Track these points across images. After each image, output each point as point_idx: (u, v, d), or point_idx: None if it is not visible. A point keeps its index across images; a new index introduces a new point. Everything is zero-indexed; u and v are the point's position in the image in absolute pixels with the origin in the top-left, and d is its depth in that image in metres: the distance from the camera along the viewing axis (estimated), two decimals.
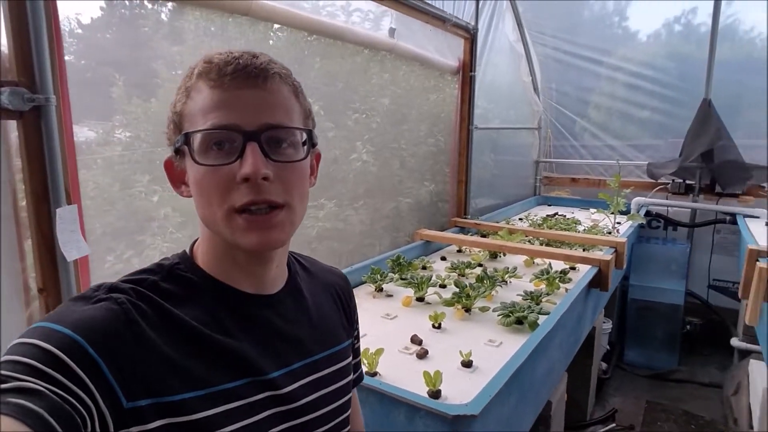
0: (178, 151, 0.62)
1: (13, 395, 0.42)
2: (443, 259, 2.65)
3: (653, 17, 4.12)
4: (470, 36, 3.16)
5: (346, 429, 0.77)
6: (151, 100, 1.49)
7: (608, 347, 3.37)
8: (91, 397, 0.48)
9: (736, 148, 3.62)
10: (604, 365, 3.30)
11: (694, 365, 3.59)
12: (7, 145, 1.08)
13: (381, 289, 2.08)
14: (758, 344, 2.63)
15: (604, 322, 3.09)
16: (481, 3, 3.23)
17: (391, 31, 2.52)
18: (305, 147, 0.64)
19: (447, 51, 3.06)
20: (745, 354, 3.03)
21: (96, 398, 0.48)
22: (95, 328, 0.51)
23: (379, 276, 2.10)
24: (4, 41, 1.07)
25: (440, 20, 2.80)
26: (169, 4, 1.51)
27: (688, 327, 3.78)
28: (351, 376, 0.81)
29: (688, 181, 3.86)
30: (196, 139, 0.59)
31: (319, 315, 0.76)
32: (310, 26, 2.00)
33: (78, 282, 1.14)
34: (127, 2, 1.41)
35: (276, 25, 1.90)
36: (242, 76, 0.58)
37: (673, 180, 3.89)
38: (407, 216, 2.86)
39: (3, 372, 0.44)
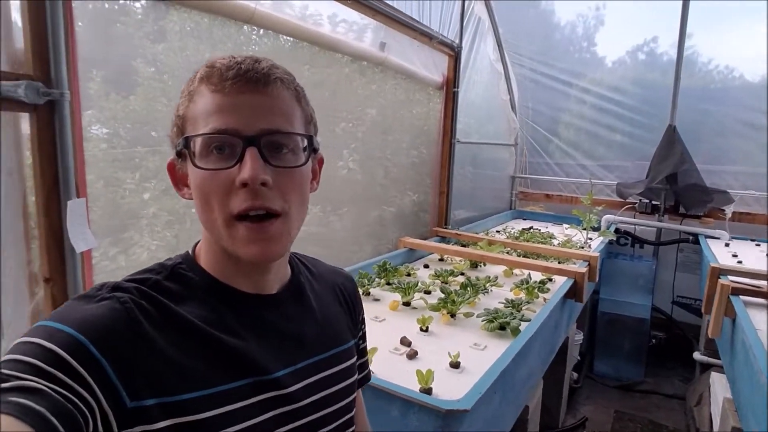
0: (179, 154, 0.63)
1: (15, 394, 0.42)
2: (426, 266, 2.71)
3: (618, 44, 4.31)
4: (455, 53, 3.28)
5: (351, 429, 0.77)
6: (130, 97, 1.47)
7: (579, 357, 3.48)
8: (93, 397, 0.47)
9: (698, 173, 3.82)
10: (575, 375, 3.41)
11: (658, 377, 3.73)
12: (17, 137, 1.10)
13: (368, 293, 2.13)
14: (719, 358, 2.76)
15: (576, 334, 3.20)
16: (464, 23, 3.37)
17: (382, 45, 2.61)
18: (306, 153, 0.64)
19: (432, 66, 3.17)
20: (707, 367, 3.16)
21: (99, 398, 0.48)
22: (98, 327, 0.51)
23: (366, 280, 2.15)
24: (20, 36, 1.09)
25: (427, 37, 2.91)
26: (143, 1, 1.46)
27: (654, 341, 3.93)
28: (356, 376, 0.80)
29: (654, 202, 4.06)
30: (197, 143, 0.59)
31: (323, 315, 0.76)
32: (310, 37, 2.06)
33: (84, 273, 1.15)
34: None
35: (262, 31, 1.90)
36: (243, 81, 0.58)
37: (640, 200, 4.08)
38: (390, 224, 2.92)
39: (5, 371, 0.44)
